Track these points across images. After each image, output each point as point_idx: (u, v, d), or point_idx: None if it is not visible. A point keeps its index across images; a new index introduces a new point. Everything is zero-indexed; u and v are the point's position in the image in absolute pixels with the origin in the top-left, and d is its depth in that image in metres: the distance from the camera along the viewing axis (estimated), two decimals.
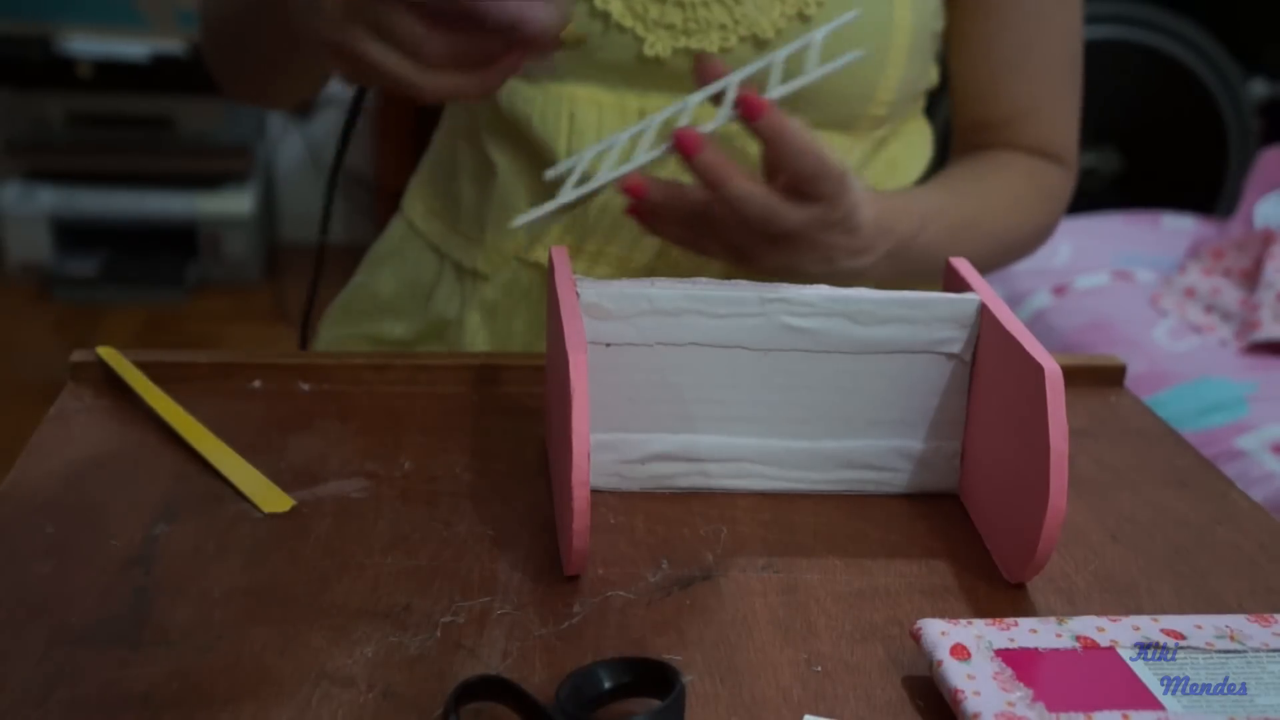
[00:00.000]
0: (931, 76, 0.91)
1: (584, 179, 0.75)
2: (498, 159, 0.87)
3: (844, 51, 0.75)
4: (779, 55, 0.77)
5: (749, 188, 0.71)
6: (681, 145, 0.70)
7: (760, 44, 0.80)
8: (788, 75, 0.75)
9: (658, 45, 0.80)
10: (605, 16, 0.80)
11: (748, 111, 0.69)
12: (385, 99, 2.82)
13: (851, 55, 0.71)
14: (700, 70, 0.76)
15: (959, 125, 0.94)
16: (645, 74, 0.81)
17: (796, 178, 0.71)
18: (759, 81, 0.76)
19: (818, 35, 0.76)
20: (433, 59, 0.64)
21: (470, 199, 0.90)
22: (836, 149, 0.85)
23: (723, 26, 0.80)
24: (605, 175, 0.73)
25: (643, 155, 0.73)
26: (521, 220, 0.72)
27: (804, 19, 0.80)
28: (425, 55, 0.64)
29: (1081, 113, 0.94)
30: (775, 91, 0.72)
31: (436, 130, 0.96)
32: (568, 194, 0.73)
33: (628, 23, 0.80)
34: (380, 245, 0.99)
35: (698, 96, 0.77)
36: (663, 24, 0.80)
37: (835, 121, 0.84)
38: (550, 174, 0.81)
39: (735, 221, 0.72)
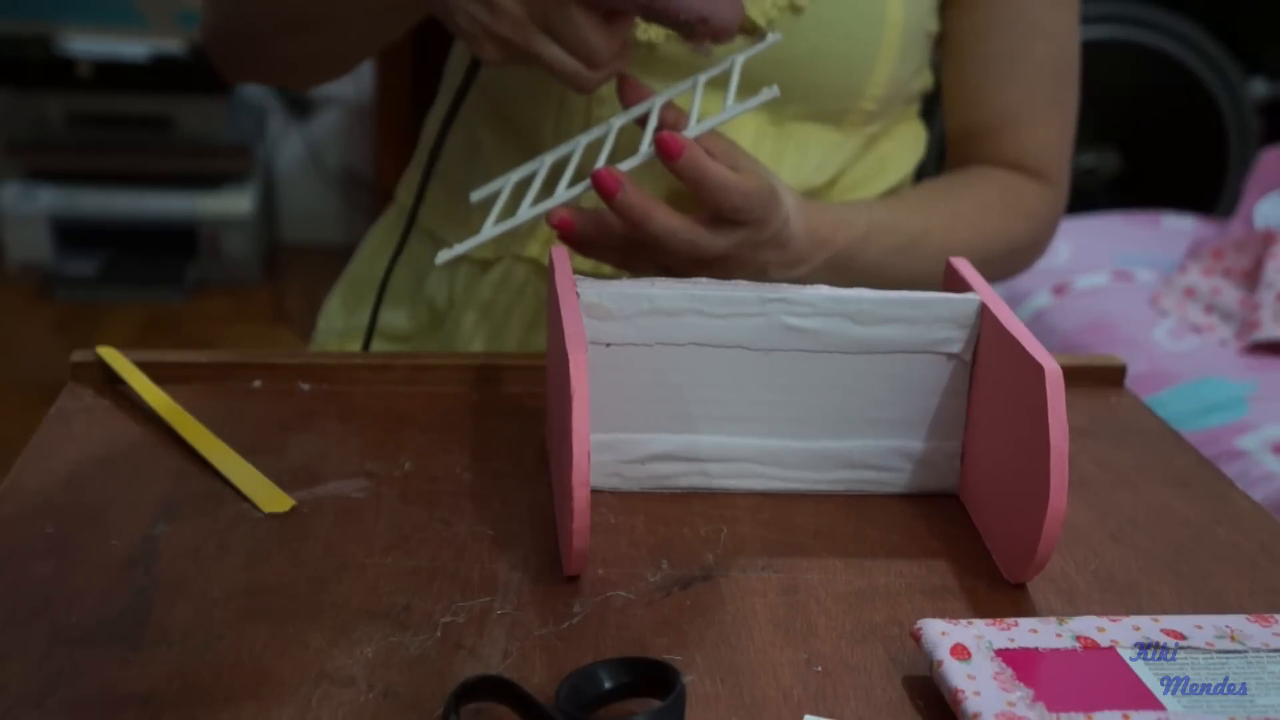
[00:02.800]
0: (926, 79, 0.91)
1: (506, 214, 0.75)
2: (484, 142, 0.87)
3: (834, 48, 0.74)
4: (701, 77, 0.77)
5: (671, 224, 0.71)
6: (600, 186, 0.70)
7: (751, 34, 0.80)
8: (710, 87, 0.76)
9: (650, 30, 0.80)
10: None
11: (665, 151, 0.69)
12: (384, 99, 2.82)
13: (768, 93, 0.72)
14: (625, 92, 0.77)
15: (950, 136, 0.93)
16: (638, 59, 0.81)
17: (719, 211, 0.71)
18: (682, 105, 0.76)
19: (739, 59, 0.77)
20: (603, 60, 0.70)
21: (455, 181, 0.90)
22: (827, 144, 0.85)
23: None
24: (527, 211, 0.73)
25: (564, 193, 0.73)
26: (444, 257, 0.73)
27: (795, 10, 0.80)
28: (597, 59, 0.70)
29: (1079, 119, 0.92)
30: (693, 130, 0.72)
31: (427, 118, 0.96)
32: (489, 230, 0.74)
33: None
34: (373, 233, 0.99)
35: (621, 119, 0.78)
36: None
37: (824, 115, 0.84)
38: (476, 196, 0.81)
39: (660, 250, 0.72)
